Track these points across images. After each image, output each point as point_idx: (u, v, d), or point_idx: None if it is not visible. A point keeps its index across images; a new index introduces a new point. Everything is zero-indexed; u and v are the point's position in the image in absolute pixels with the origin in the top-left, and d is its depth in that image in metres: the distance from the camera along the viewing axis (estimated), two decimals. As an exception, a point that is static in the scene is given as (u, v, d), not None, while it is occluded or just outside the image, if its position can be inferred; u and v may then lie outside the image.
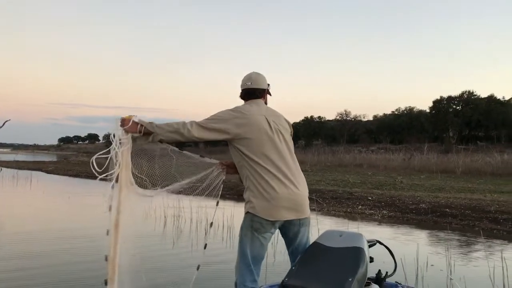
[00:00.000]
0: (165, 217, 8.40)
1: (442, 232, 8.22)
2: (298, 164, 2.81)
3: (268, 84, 2.96)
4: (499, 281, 4.64)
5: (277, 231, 2.77)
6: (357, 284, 2.25)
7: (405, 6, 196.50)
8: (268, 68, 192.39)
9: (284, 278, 2.38)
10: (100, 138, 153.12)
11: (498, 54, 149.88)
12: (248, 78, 2.91)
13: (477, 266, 5.70)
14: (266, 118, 2.74)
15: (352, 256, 2.40)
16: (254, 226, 2.63)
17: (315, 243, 2.63)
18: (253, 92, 2.87)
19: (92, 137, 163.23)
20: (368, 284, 2.57)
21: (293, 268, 2.47)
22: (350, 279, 2.22)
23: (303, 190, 2.72)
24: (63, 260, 5.53)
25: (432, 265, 5.31)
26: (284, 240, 2.81)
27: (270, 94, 2.99)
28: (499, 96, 57.99)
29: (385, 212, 10.22)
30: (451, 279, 4.72)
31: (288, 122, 2.89)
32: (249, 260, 2.64)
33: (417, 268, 5.06)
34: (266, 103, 2.93)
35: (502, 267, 4.55)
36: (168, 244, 6.65)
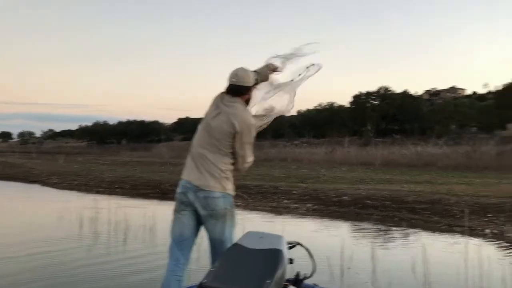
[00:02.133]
0: (80, 219, 7.79)
1: (364, 223, 8.39)
2: (220, 163, 2.92)
3: (256, 79, 3.07)
4: (420, 270, 4.73)
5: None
6: (275, 286, 2.22)
7: (326, 5, 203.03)
8: (190, 61, 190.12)
9: (203, 280, 2.30)
10: (15, 136, 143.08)
11: (411, 50, 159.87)
12: (235, 74, 2.96)
13: (399, 257, 5.81)
14: (218, 112, 2.92)
15: (271, 258, 2.38)
16: (174, 207, 2.97)
17: (235, 244, 2.60)
18: (238, 89, 2.96)
19: (5, 135, 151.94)
20: (285, 286, 2.54)
21: (212, 269, 2.40)
22: (267, 281, 2.19)
23: (207, 176, 2.89)
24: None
25: (349, 267, 5.20)
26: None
27: (257, 89, 3.16)
28: (412, 91, 61.83)
29: (309, 205, 10.28)
30: (366, 282, 4.70)
31: (233, 124, 2.88)
32: (171, 240, 2.96)
33: (342, 265, 5.01)
34: (250, 98, 3.06)
35: (423, 258, 4.63)
36: (82, 251, 6.11)
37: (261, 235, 2.60)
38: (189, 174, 2.95)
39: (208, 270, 2.39)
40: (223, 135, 2.90)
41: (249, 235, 2.65)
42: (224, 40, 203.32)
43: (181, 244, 2.94)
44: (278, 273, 2.28)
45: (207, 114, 3.04)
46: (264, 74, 3.27)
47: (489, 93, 76.39)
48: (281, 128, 66.17)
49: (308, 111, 71.73)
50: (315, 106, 70.32)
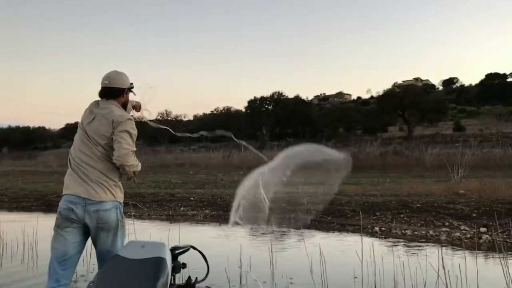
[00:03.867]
0: None
1: (262, 226, 8.39)
2: (107, 171, 2.81)
3: (131, 83, 3.00)
4: (317, 270, 4.78)
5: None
6: None
7: (216, 23, 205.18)
8: (79, 63, 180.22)
9: None
10: None
11: (301, 57, 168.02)
12: (107, 77, 2.90)
13: (298, 258, 5.85)
14: (94, 117, 2.82)
15: (153, 267, 2.34)
16: (56, 223, 2.76)
17: (116, 256, 2.52)
18: (110, 91, 2.88)
19: None
20: None
21: (91, 284, 2.31)
22: None
23: (95, 186, 2.74)
24: None
25: (247, 271, 5.15)
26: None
27: (134, 93, 3.05)
28: (303, 96, 64.86)
29: (207, 211, 10.11)
30: (256, 280, 4.66)
31: (111, 121, 2.79)
32: (52, 258, 2.74)
33: (240, 270, 4.92)
34: (127, 101, 3.01)
35: (320, 259, 4.68)
36: None
37: (143, 244, 2.54)
38: (74, 188, 2.76)
39: (87, 285, 2.31)
40: (104, 138, 2.80)
41: (130, 245, 2.59)
42: (113, 43, 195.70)
43: (64, 263, 2.72)
44: (161, 281, 2.25)
45: (82, 122, 2.91)
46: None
47: (372, 98, 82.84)
48: (178, 133, 65.44)
49: (205, 115, 71.91)
50: (212, 111, 70.75)
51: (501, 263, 3.58)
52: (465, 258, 4.64)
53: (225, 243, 7.11)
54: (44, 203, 11.82)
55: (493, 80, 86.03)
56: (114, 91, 2.90)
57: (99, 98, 2.96)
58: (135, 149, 2.86)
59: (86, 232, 2.79)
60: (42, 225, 6.86)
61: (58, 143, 75.17)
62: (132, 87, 3.04)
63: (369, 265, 4.71)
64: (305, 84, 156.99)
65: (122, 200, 2.89)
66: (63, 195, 2.82)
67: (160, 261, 2.38)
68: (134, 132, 2.85)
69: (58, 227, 2.76)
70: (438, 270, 3.87)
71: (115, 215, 2.78)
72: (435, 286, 3.92)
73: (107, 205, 2.74)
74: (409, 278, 4.19)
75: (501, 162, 20.78)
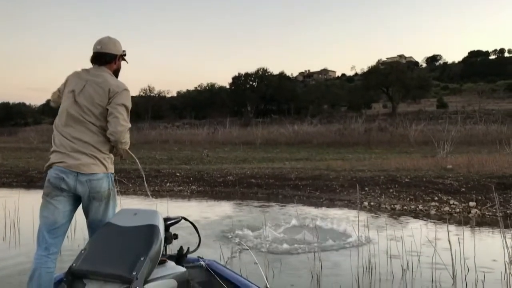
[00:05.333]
0: None
1: (251, 201, 8.32)
2: (98, 143, 2.68)
3: (124, 51, 2.91)
4: (309, 247, 4.70)
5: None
6: (150, 262, 2.18)
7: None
8: (62, 38, 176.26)
9: (72, 264, 2.20)
10: None
11: (285, 34, 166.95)
12: (99, 42, 2.82)
13: (290, 235, 5.77)
14: (84, 84, 2.68)
15: (146, 234, 2.30)
16: (45, 191, 2.67)
17: (108, 223, 2.50)
18: (103, 56, 2.79)
19: None
20: (163, 262, 2.44)
21: (83, 251, 2.29)
22: (142, 258, 2.13)
23: (79, 156, 2.64)
24: None
25: (240, 242, 5.08)
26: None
27: (126, 61, 2.95)
28: (288, 73, 64.49)
29: (194, 187, 9.98)
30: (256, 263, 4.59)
31: (108, 90, 2.66)
32: (41, 226, 2.66)
33: (232, 247, 4.83)
34: (119, 68, 2.90)
35: (315, 235, 4.58)
36: None
37: (135, 212, 2.50)
38: (64, 160, 2.64)
39: (79, 252, 2.25)
40: (98, 107, 2.67)
41: (122, 212, 2.55)
42: (95, 19, 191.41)
43: (54, 232, 2.67)
44: (154, 249, 2.22)
45: (73, 90, 2.72)
46: None
47: (356, 75, 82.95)
48: (161, 110, 64.60)
49: (189, 92, 71.10)
50: (196, 87, 69.94)
51: (501, 235, 3.52)
52: (463, 232, 4.59)
53: (214, 216, 6.99)
54: (26, 179, 11.54)
55: (476, 58, 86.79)
56: (106, 57, 2.78)
57: (89, 67, 2.84)
58: (130, 125, 2.76)
59: (76, 201, 2.73)
60: (23, 201, 6.65)
61: (39, 119, 73.76)
62: (125, 55, 2.93)
63: (363, 239, 4.65)
64: (290, 61, 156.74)
65: (113, 171, 2.82)
66: (52, 166, 2.69)
67: (153, 228, 2.34)
68: (130, 106, 2.76)
69: (47, 195, 2.67)
70: (435, 244, 3.81)
71: (107, 184, 2.72)
72: (431, 260, 3.87)
73: (99, 175, 2.68)
74: (403, 252, 4.12)
75: (484, 138, 21.03)
